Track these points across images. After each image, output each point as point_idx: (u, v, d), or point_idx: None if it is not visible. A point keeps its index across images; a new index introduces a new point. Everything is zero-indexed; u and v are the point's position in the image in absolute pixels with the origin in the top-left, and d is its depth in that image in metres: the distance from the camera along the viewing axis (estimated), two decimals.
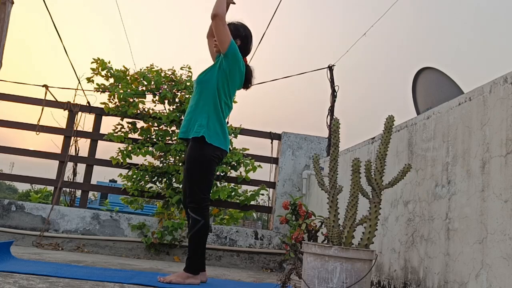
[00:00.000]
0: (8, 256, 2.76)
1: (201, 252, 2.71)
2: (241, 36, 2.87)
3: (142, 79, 4.70)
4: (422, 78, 3.69)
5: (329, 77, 5.07)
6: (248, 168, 4.73)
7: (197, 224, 2.67)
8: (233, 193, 4.85)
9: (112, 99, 4.77)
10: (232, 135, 4.81)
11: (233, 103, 2.96)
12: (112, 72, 4.75)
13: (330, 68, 5.09)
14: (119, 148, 4.68)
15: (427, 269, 2.31)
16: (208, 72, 2.84)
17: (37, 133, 4.62)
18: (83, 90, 4.82)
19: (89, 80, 4.76)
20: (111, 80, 4.81)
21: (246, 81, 2.93)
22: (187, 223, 2.92)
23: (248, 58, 3.03)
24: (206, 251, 2.70)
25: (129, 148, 4.63)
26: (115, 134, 4.68)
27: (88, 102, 4.85)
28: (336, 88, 5.05)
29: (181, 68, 4.82)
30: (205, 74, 2.84)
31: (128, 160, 4.64)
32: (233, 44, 2.73)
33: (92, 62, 4.75)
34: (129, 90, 4.68)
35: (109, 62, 4.80)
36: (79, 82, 4.80)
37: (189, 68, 4.99)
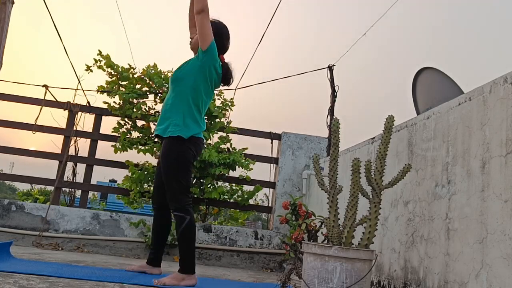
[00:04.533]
0: (8, 256, 2.76)
1: (193, 250, 2.62)
2: (220, 34, 2.83)
3: (147, 79, 4.67)
4: (422, 78, 3.69)
5: (329, 77, 5.07)
6: (244, 168, 4.71)
7: (184, 221, 2.58)
8: (227, 192, 4.85)
9: (114, 100, 4.75)
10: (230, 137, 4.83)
11: (212, 97, 2.91)
12: (117, 69, 4.68)
13: (330, 68, 5.09)
14: (120, 138, 4.64)
15: (427, 269, 2.30)
16: (184, 68, 2.77)
17: (34, 132, 4.60)
18: (83, 90, 4.82)
19: (88, 68, 4.64)
20: (114, 78, 4.77)
21: (226, 79, 2.86)
22: (153, 225, 2.85)
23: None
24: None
25: (131, 138, 4.64)
26: (120, 130, 4.68)
27: (88, 102, 4.85)
28: (336, 88, 5.05)
29: None
30: (181, 71, 2.77)
31: (128, 160, 4.64)
32: (214, 42, 2.71)
33: (98, 54, 4.67)
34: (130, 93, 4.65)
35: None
36: (79, 82, 4.79)
37: None
